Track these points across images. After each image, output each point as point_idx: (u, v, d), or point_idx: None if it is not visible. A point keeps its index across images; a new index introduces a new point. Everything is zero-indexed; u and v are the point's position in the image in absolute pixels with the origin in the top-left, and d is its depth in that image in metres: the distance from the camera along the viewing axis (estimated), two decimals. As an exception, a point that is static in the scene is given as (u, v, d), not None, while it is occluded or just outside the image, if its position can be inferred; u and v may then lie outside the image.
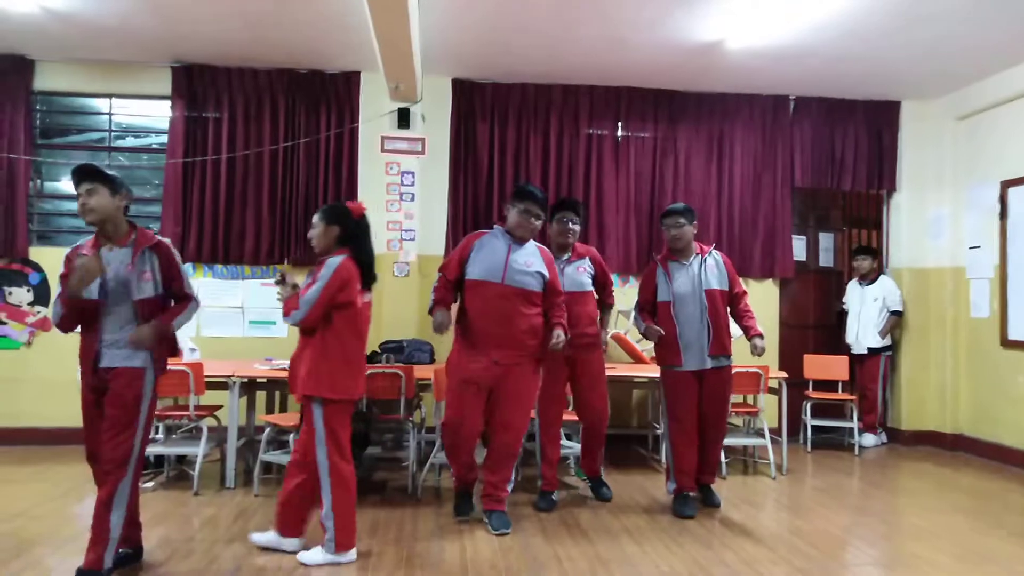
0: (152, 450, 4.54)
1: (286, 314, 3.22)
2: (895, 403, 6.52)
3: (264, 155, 5.94)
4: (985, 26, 4.83)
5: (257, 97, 5.97)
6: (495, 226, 3.87)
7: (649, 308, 4.20)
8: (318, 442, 3.18)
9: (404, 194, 6.01)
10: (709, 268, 4.11)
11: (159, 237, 3.08)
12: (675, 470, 4.14)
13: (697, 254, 4.16)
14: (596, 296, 4.30)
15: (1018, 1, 4.45)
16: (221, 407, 4.69)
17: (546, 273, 3.76)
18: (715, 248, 4.29)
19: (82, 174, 2.93)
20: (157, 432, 4.74)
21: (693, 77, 5.98)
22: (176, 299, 3.10)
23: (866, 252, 6.41)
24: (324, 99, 6.03)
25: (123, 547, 3.09)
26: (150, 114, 6.14)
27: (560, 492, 4.51)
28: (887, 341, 6.25)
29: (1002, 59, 5.45)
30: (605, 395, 4.24)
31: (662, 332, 4.03)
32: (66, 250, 3.05)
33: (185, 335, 5.71)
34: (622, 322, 5.98)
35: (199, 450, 4.44)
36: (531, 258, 3.77)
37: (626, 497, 4.44)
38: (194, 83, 5.91)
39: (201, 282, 5.85)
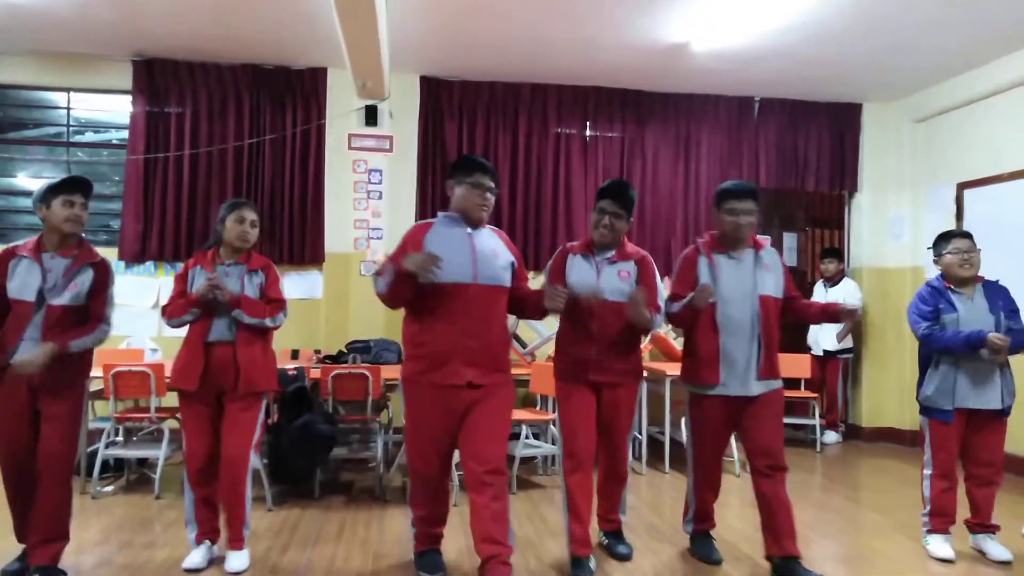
0: (112, 453, 4.45)
1: (264, 315, 3.20)
2: (855, 400, 6.66)
3: (228, 152, 5.85)
4: (943, 31, 4.95)
5: (221, 93, 5.87)
6: (439, 213, 3.05)
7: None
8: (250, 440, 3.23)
9: (371, 192, 5.97)
10: (765, 267, 3.18)
11: (103, 258, 3.06)
12: (695, 513, 3.45)
13: (750, 247, 3.22)
14: None
15: (975, 8, 4.57)
16: (184, 408, 4.60)
17: (514, 260, 3.03)
18: (769, 244, 3.34)
19: (85, 189, 2.97)
20: (117, 435, 4.65)
21: (660, 78, 6.04)
22: (89, 317, 2.96)
23: (832, 254, 6.52)
24: (290, 95, 5.96)
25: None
26: (110, 109, 6.00)
27: (530, 491, 4.53)
28: (846, 344, 6.36)
29: (959, 64, 5.60)
30: (627, 429, 3.30)
31: (711, 292, 3.05)
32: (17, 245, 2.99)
33: (146, 335, 5.62)
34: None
35: (160, 453, 4.36)
36: (495, 244, 2.99)
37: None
38: (156, 78, 5.80)
39: (163, 281, 5.75)
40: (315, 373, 4.51)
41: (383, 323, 5.79)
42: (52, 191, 2.92)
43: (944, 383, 3.46)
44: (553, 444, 4.94)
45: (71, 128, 6.03)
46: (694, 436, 3.35)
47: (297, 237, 5.91)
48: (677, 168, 6.42)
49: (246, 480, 3.19)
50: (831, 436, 6.33)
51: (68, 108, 5.98)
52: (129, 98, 5.79)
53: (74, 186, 2.93)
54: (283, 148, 5.93)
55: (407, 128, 6.07)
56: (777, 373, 3.20)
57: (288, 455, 4.18)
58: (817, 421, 6.13)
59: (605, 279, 3.18)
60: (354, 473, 4.93)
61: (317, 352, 5.51)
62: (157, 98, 5.81)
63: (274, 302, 3.25)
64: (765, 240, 3.33)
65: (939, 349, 3.46)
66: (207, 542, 3.21)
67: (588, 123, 6.33)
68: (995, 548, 3.45)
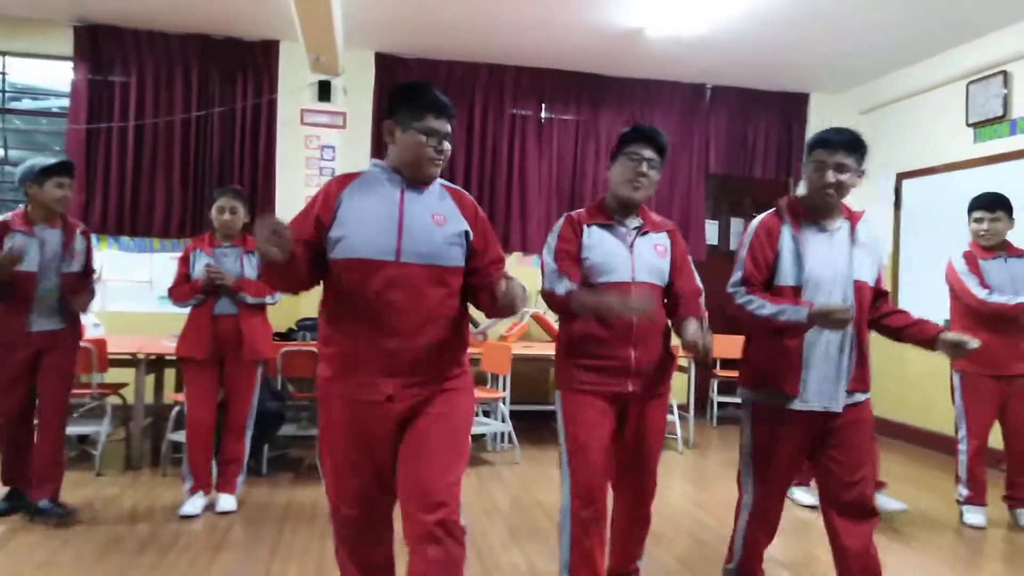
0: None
1: (265, 294, 3.63)
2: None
3: (175, 124, 5.70)
4: (888, 26, 5.11)
5: (168, 63, 5.71)
6: (372, 161, 2.16)
7: (760, 289, 2.43)
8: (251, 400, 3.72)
9: (324, 169, 5.91)
10: (862, 246, 2.43)
11: (84, 226, 3.60)
12: (741, 561, 2.60)
13: (846, 218, 2.46)
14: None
15: (918, 4, 4.72)
16: (126, 385, 4.54)
17: (469, 230, 2.11)
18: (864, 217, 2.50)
19: (73, 171, 3.47)
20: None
21: (615, 62, 6.09)
22: (86, 277, 3.54)
23: None
24: (240, 68, 5.83)
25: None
26: (50, 75, 5.79)
27: (479, 467, 4.59)
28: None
29: (902, 58, 5.79)
30: (655, 463, 2.53)
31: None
32: None
33: (89, 311, 5.48)
34: (538, 299, 6.05)
35: (102, 429, 4.28)
36: (440, 208, 2.10)
37: (540, 473, 4.56)
38: (99, 44, 5.60)
39: (106, 254, 5.59)
40: (264, 351, 4.46)
41: (334, 301, 5.76)
42: (45, 173, 3.29)
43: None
44: (503, 422, 4.99)
45: (7, 94, 5.79)
46: (757, 462, 2.49)
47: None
48: (630, 152, 6.49)
49: (247, 433, 3.72)
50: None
51: (4, 73, 5.74)
52: (70, 65, 5.58)
53: (65, 170, 3.36)
54: (233, 122, 5.81)
55: (362, 105, 6.00)
56: (868, 383, 2.45)
57: (235, 432, 4.15)
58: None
59: (640, 254, 2.44)
60: (302, 450, 4.91)
61: (266, 330, 5.45)
62: (100, 66, 5.62)
63: None
64: (861, 212, 2.50)
65: None
66: (201, 492, 3.59)
67: (544, 105, 6.35)
68: (884, 500, 3.73)
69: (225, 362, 3.59)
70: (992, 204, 3.77)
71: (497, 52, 5.96)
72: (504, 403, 4.97)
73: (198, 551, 3.08)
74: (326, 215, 2.02)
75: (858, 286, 2.38)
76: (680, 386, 5.70)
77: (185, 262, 3.60)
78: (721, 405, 6.34)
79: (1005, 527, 3.74)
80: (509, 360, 4.85)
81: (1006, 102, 5.17)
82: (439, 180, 2.16)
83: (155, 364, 4.67)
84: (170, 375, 5.05)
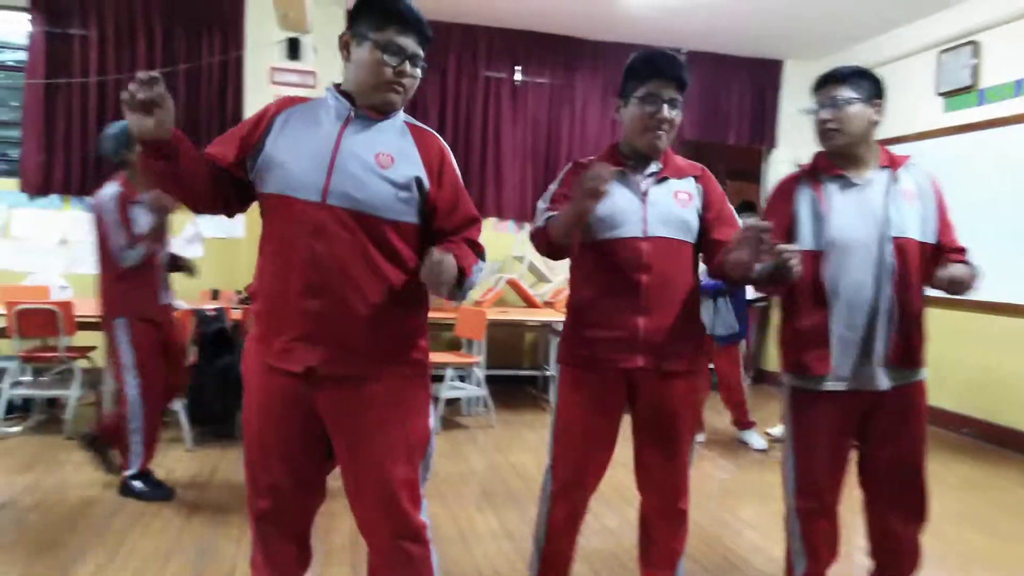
0: (18, 392, 4.29)
1: None
2: (766, 345, 7.03)
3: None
4: (861, -7, 5.12)
5: (130, 16, 5.51)
6: (327, 86, 1.77)
7: None
8: None
9: (295, 130, 5.78)
10: (905, 195, 2.07)
11: None
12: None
13: (884, 166, 2.10)
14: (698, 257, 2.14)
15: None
16: (95, 348, 4.46)
17: (424, 178, 1.72)
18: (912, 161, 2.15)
19: None
20: (24, 374, 4.47)
21: (590, 25, 6.02)
22: None
23: (748, 209, 6.74)
24: (206, 24, 5.65)
25: None
26: (5, 27, 5.55)
27: (454, 431, 4.61)
28: (761, 293, 6.66)
29: (875, 26, 5.81)
30: (686, 463, 2.10)
31: (795, 257, 1.83)
32: None
33: (54, 272, 5.36)
34: (514, 265, 6.06)
35: (71, 393, 4.22)
36: (391, 147, 1.71)
37: (514, 437, 4.61)
38: (56, -5, 5.38)
39: (70, 215, 5.46)
40: (236, 314, 4.42)
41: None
42: None
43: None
44: (479, 387, 5.01)
45: (-40, 46, 5.57)
46: (796, 449, 2.14)
47: (215, 174, 5.70)
48: (605, 118, 6.47)
49: None
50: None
51: (-44, 24, 5.51)
52: (27, 16, 5.35)
53: None
54: (199, 79, 5.65)
55: (333, 64, 5.77)
56: (919, 359, 2.09)
57: (208, 396, 4.13)
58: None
59: (655, 204, 2.03)
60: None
61: (238, 292, 5.38)
62: (59, 18, 5.40)
63: None
64: (906, 157, 2.15)
65: None
66: None
67: (518, 68, 6.27)
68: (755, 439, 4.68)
69: None
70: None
71: (470, 12, 5.85)
72: (479, 368, 4.99)
73: (174, 514, 3.08)
74: (253, 137, 1.71)
75: (899, 244, 2.02)
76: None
77: None
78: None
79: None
80: (484, 325, 4.86)
81: (975, 72, 5.24)
82: (403, 116, 1.77)
83: (124, 328, 4.59)
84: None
